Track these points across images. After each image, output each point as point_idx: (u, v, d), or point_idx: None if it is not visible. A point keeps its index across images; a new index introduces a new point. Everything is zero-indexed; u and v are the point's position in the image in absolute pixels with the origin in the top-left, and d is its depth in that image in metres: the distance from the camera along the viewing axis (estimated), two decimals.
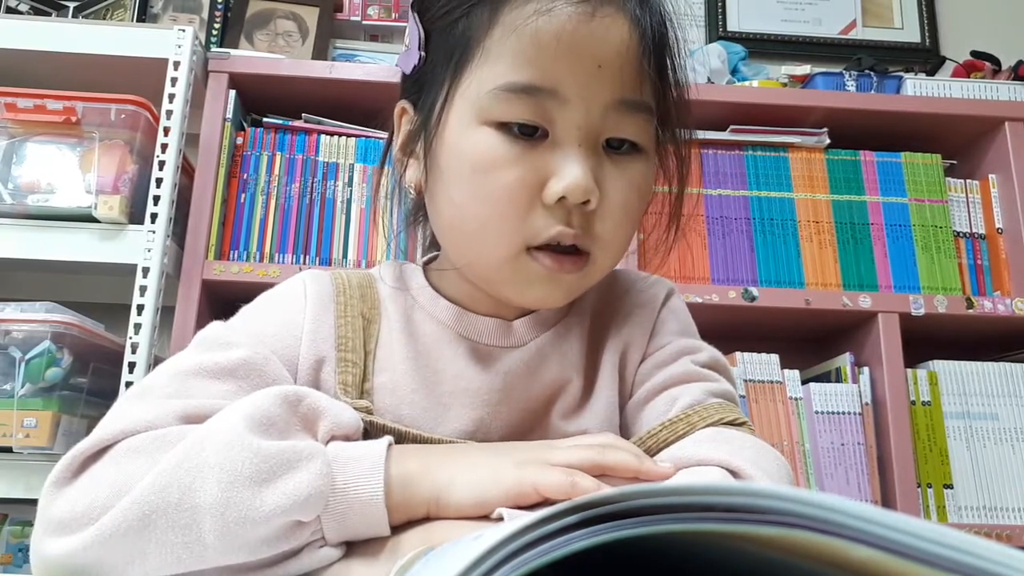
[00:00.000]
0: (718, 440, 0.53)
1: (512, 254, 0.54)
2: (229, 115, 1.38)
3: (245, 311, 0.61)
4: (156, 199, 1.26)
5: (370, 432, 0.53)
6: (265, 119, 1.45)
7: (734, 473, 0.50)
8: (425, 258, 0.68)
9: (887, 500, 1.31)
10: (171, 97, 1.31)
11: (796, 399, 1.36)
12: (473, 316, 0.61)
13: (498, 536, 0.24)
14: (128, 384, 1.19)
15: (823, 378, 1.43)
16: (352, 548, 0.47)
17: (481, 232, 0.55)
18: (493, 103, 0.52)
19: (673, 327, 0.65)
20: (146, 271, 1.23)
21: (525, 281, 0.55)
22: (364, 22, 1.72)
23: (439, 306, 0.61)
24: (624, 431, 0.62)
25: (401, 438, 0.53)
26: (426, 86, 0.58)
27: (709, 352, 0.64)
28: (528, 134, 0.53)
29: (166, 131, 1.29)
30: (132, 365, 1.19)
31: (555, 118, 0.52)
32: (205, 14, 1.71)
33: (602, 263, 0.56)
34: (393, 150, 0.63)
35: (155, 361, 1.23)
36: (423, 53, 0.58)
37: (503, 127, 0.52)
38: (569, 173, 0.51)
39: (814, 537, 0.23)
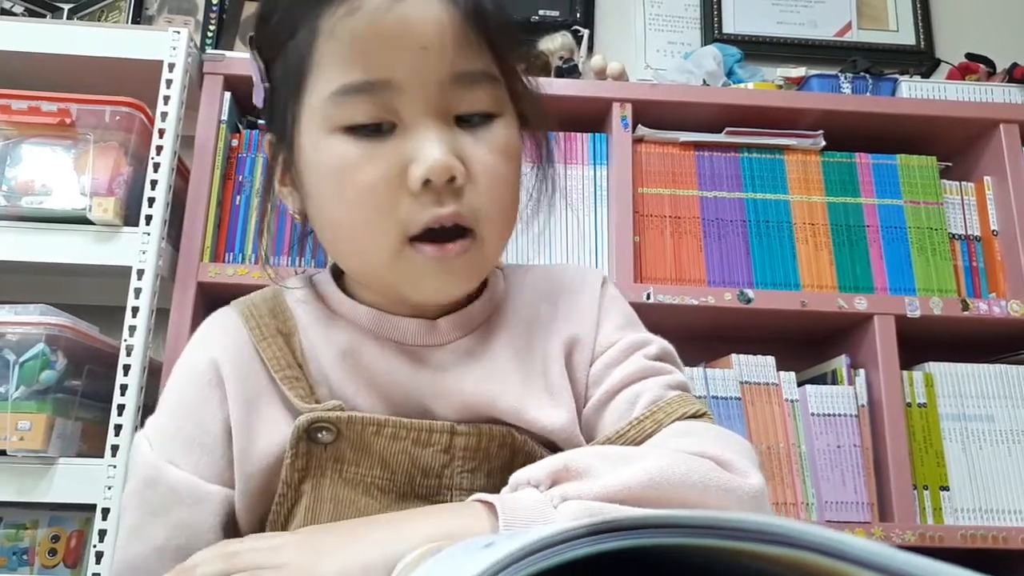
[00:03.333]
0: (687, 435, 0.54)
1: (394, 249, 0.54)
2: (224, 117, 1.38)
3: (162, 401, 0.61)
4: (151, 201, 1.26)
5: (345, 431, 0.54)
6: (260, 121, 1.44)
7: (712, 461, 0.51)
8: (332, 264, 0.66)
9: (883, 502, 1.31)
10: (166, 99, 1.31)
11: (792, 401, 1.36)
12: (394, 318, 0.60)
13: (513, 546, 0.25)
14: (124, 387, 1.18)
15: (819, 380, 1.43)
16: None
17: (357, 236, 0.55)
18: (334, 109, 0.53)
19: (618, 319, 0.64)
20: (141, 273, 1.23)
21: (416, 275, 0.55)
22: None
23: (358, 312, 0.61)
24: (585, 434, 0.61)
25: (382, 426, 0.54)
26: (277, 114, 0.58)
27: (658, 344, 0.63)
28: (376, 131, 0.53)
29: (161, 133, 1.29)
30: (127, 367, 1.19)
31: (397, 107, 0.53)
32: (200, 16, 1.71)
33: (490, 238, 0.56)
34: (275, 185, 0.62)
35: (150, 363, 1.23)
36: (267, 84, 0.59)
37: (351, 130, 0.53)
38: (427, 155, 0.51)
39: (820, 559, 0.24)
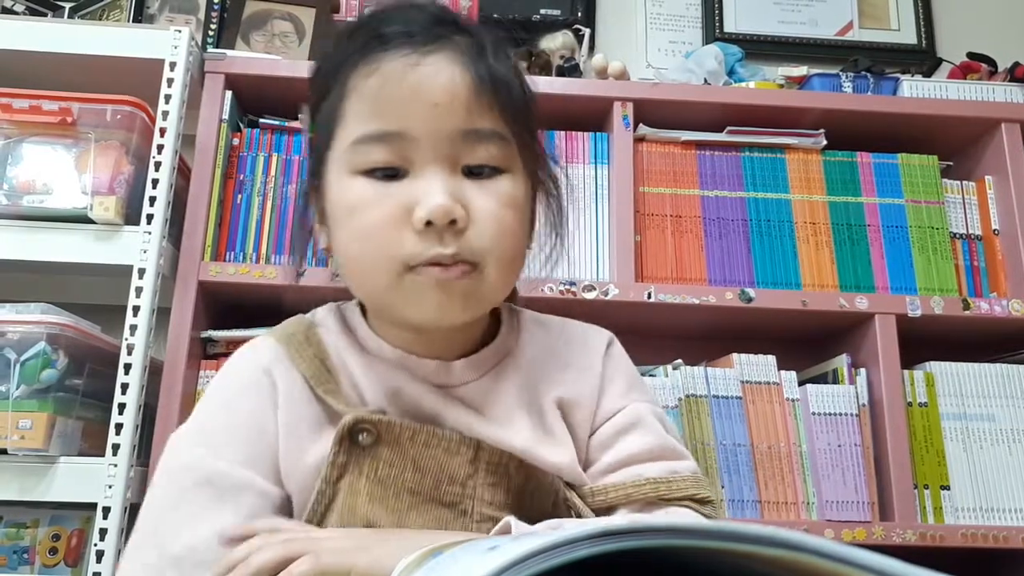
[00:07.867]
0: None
1: (395, 276, 0.58)
2: (225, 116, 1.38)
3: (208, 408, 0.64)
4: (152, 200, 1.26)
5: (384, 435, 0.58)
6: (261, 120, 1.45)
7: None
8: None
9: (884, 502, 1.31)
10: (167, 98, 1.31)
11: (793, 400, 1.36)
12: (416, 359, 0.64)
13: (519, 550, 0.25)
14: (125, 386, 1.18)
15: (820, 379, 1.43)
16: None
17: (363, 266, 0.60)
18: (354, 155, 0.59)
19: (621, 385, 0.69)
20: (142, 272, 1.23)
21: (417, 296, 0.58)
22: None
23: (384, 350, 0.65)
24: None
25: (416, 432, 0.59)
26: (314, 160, 0.65)
27: (658, 411, 0.68)
28: (392, 175, 0.59)
29: (162, 132, 1.29)
30: (128, 367, 1.19)
31: (410, 155, 0.58)
32: (201, 15, 1.71)
33: (492, 273, 0.59)
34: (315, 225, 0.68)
35: (151, 363, 1.23)
36: (311, 135, 0.67)
37: (369, 173, 0.59)
38: (430, 198, 0.56)
39: (816, 560, 0.24)
